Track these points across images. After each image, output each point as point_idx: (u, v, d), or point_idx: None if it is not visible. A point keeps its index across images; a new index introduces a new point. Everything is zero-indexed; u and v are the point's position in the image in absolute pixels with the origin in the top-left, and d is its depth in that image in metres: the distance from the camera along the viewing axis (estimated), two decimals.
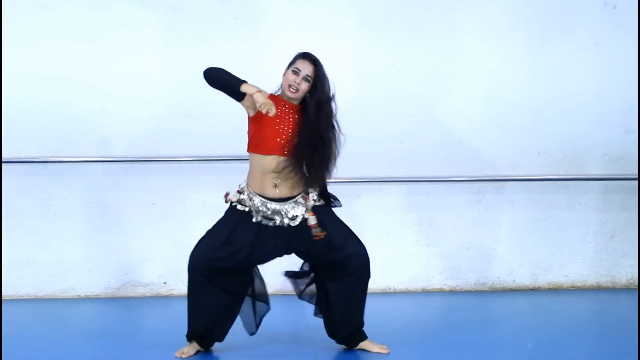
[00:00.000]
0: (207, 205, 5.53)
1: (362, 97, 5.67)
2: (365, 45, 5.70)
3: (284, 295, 5.44)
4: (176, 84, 5.55)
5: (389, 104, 5.71)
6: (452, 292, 5.86)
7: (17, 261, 5.61)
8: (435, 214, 5.82)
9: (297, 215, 4.17)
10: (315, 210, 4.20)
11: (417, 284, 5.86)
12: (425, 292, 5.84)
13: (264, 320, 4.45)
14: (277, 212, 4.15)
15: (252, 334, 4.41)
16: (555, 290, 5.89)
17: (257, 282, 4.39)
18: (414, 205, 5.80)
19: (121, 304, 5.56)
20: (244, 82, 3.99)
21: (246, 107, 4.12)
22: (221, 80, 4.04)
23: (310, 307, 5.15)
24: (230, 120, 5.39)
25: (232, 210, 4.22)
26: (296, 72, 4.09)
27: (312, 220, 4.16)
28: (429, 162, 5.76)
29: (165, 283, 5.73)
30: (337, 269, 4.26)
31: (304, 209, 4.19)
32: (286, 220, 4.16)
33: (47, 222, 5.61)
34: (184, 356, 4.22)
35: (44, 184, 5.59)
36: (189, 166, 5.54)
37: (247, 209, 4.17)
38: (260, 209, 4.14)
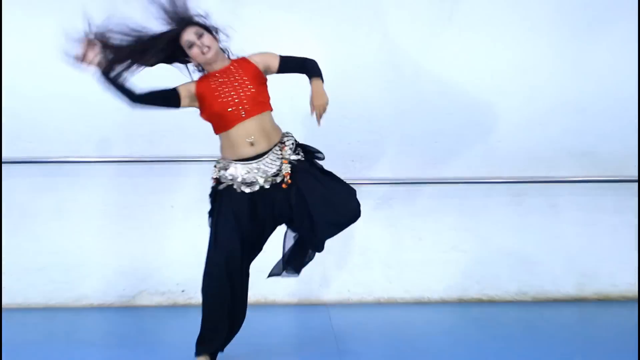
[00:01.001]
0: None
1: (396, 94, 5.62)
2: (399, 38, 5.60)
3: (310, 306, 5.49)
4: None
5: (423, 101, 5.61)
6: (491, 302, 5.74)
7: (28, 267, 5.59)
8: (473, 218, 5.72)
9: (277, 173, 4.13)
10: (294, 167, 4.14)
11: (453, 293, 5.75)
12: (462, 302, 5.72)
13: (291, 328, 4.77)
14: (257, 172, 4.11)
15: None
16: (603, 301, 5.76)
17: None
18: (450, 209, 5.70)
19: (136, 314, 5.49)
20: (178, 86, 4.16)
21: (191, 105, 4.23)
22: (152, 98, 4.14)
23: (338, 315, 5.31)
24: None
25: (216, 196, 4.21)
26: (191, 44, 4.07)
27: (286, 169, 4.10)
28: (465, 163, 5.67)
29: (183, 291, 5.65)
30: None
31: (281, 160, 4.16)
32: (265, 182, 4.11)
33: (61, 225, 5.58)
34: None
35: (58, 185, 5.55)
36: (210, 167, 5.22)
37: (228, 184, 4.16)
38: (239, 176, 4.12)
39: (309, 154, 4.26)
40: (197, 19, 4.12)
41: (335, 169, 5.16)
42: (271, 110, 4.22)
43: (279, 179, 4.11)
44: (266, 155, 4.12)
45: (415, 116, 5.61)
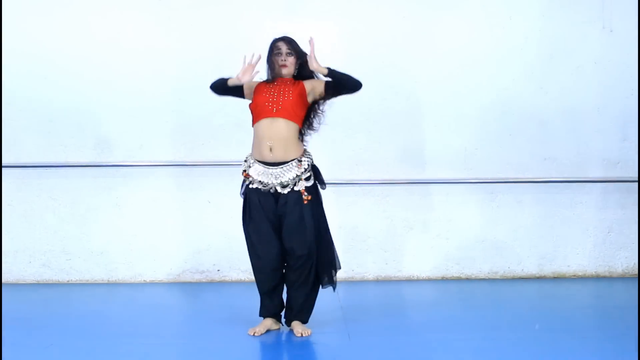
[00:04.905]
0: None
1: (390, 109, 5.76)
2: (392, 64, 5.76)
3: None
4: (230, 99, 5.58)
5: (414, 115, 5.77)
6: (468, 280, 5.87)
7: (93, 250, 5.80)
8: (454, 212, 5.85)
9: (288, 183, 4.17)
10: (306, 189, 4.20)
11: (438, 273, 5.88)
12: (445, 280, 5.86)
13: None
14: (272, 176, 4.15)
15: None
16: (559, 279, 5.89)
17: None
18: (436, 204, 5.83)
19: (180, 288, 5.67)
20: (228, 78, 4.22)
21: (248, 97, 4.33)
22: (219, 86, 4.30)
23: (344, 290, 5.29)
24: None
25: (247, 192, 4.28)
26: (279, 52, 4.22)
27: (303, 185, 4.18)
28: (449, 166, 5.81)
29: (219, 270, 5.83)
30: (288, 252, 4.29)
31: (296, 174, 4.16)
32: (278, 187, 4.16)
33: (119, 216, 5.77)
34: (256, 334, 4.32)
35: (116, 185, 5.75)
36: (238, 170, 5.40)
37: (252, 185, 4.24)
38: (259, 176, 4.18)
39: (317, 179, 4.29)
40: (295, 41, 4.23)
41: (342, 171, 5.47)
42: (299, 126, 4.21)
43: (287, 190, 4.17)
44: (283, 166, 4.15)
45: (408, 128, 5.76)
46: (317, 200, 4.30)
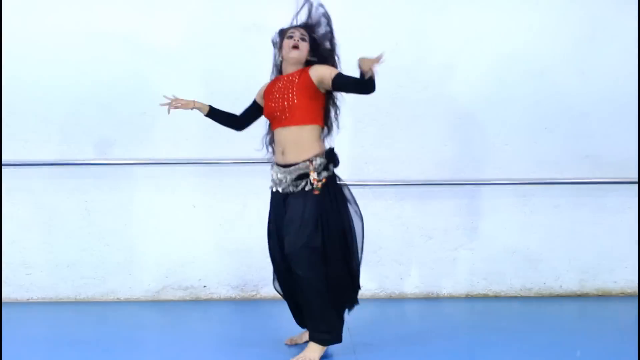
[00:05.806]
0: (248, 208, 5.43)
1: (405, 99, 5.52)
2: (408, 44, 5.48)
3: None
4: (218, 93, 5.26)
5: (434, 106, 5.53)
6: (497, 298, 5.66)
7: (58, 263, 5.56)
8: (480, 218, 5.62)
9: (298, 184, 4.10)
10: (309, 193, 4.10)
11: (461, 289, 5.66)
12: (469, 298, 5.64)
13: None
14: (283, 177, 4.14)
15: None
16: (603, 297, 5.68)
17: None
18: (458, 209, 5.60)
19: (161, 308, 5.39)
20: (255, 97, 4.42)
21: (262, 104, 4.38)
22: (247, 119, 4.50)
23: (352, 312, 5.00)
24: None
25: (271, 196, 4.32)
26: (291, 36, 4.16)
27: (315, 175, 4.07)
28: (474, 165, 5.57)
29: (205, 287, 5.56)
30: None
31: (307, 174, 4.09)
32: (290, 187, 4.10)
33: (89, 224, 5.53)
34: (293, 343, 4.39)
35: (85, 187, 5.50)
36: (230, 169, 5.35)
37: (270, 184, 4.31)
38: (273, 176, 4.22)
39: (332, 179, 4.16)
40: (313, 25, 4.19)
41: (349, 170, 5.24)
42: (317, 124, 4.12)
43: (297, 189, 4.08)
44: (295, 167, 4.07)
45: (426, 120, 5.54)
46: (329, 202, 4.13)
